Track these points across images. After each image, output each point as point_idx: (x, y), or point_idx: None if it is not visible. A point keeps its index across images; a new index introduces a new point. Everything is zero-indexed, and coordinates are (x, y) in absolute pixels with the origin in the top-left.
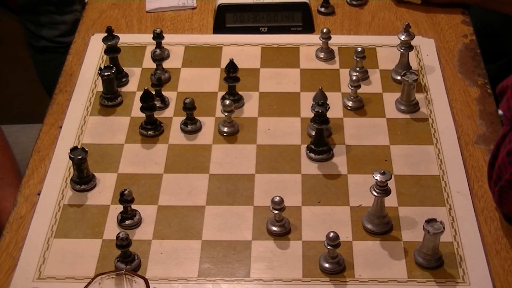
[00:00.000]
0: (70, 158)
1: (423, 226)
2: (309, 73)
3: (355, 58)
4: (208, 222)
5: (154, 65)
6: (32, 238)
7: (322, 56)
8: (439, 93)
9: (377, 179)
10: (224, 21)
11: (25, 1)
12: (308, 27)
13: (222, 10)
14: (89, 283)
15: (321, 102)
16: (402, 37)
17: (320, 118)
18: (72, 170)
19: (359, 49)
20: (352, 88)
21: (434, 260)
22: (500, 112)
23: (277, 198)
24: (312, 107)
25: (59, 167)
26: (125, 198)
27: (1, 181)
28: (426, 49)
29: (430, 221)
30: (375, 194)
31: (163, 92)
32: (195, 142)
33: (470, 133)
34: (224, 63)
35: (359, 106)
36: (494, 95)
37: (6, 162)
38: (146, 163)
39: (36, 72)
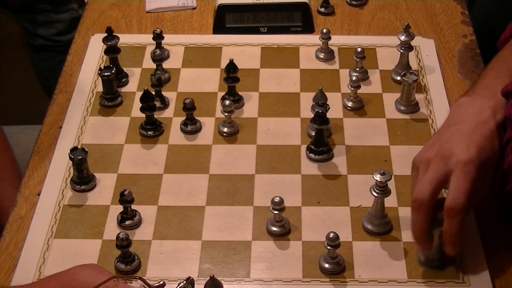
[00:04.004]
0: (70, 158)
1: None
2: (309, 73)
3: (355, 58)
4: (208, 222)
5: (154, 65)
6: (32, 238)
7: (322, 57)
8: (439, 93)
9: (377, 180)
10: (224, 21)
11: (22, 0)
12: (308, 27)
13: (222, 10)
14: (103, 283)
15: (321, 102)
16: (402, 38)
17: (320, 118)
18: (72, 170)
19: (359, 49)
20: (352, 89)
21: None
22: None
23: (277, 198)
24: (312, 107)
25: (59, 168)
26: (125, 199)
27: (1, 182)
28: (426, 50)
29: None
30: (375, 194)
31: (163, 92)
32: (195, 143)
33: None
34: (224, 63)
35: (359, 107)
36: None
37: (7, 163)
38: (146, 163)
39: (34, 71)
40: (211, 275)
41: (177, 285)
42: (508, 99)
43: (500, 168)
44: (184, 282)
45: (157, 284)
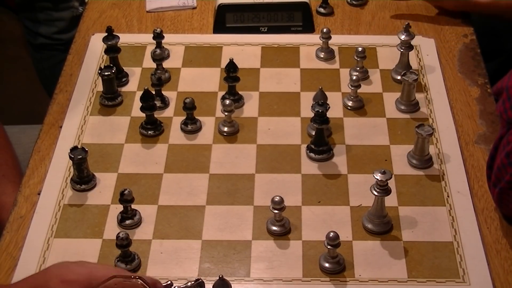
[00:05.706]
0: (70, 158)
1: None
2: (309, 73)
3: (356, 57)
4: (208, 222)
5: (154, 65)
6: (32, 238)
7: (322, 56)
8: (439, 93)
9: (377, 179)
10: (224, 21)
11: None
12: (308, 27)
13: (222, 10)
14: (103, 282)
15: (321, 102)
16: (402, 37)
17: (320, 118)
18: (72, 170)
19: (360, 48)
20: (352, 88)
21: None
22: None
23: (277, 198)
24: (312, 107)
25: (59, 167)
26: (125, 198)
27: (2, 178)
28: (426, 49)
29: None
30: (376, 193)
31: (163, 92)
32: (195, 142)
33: (470, 133)
34: (224, 63)
35: (359, 106)
36: None
37: (8, 159)
38: (146, 163)
39: (35, 70)
40: (220, 275)
41: (184, 284)
42: (499, 97)
43: (494, 166)
44: (193, 282)
45: (165, 284)
